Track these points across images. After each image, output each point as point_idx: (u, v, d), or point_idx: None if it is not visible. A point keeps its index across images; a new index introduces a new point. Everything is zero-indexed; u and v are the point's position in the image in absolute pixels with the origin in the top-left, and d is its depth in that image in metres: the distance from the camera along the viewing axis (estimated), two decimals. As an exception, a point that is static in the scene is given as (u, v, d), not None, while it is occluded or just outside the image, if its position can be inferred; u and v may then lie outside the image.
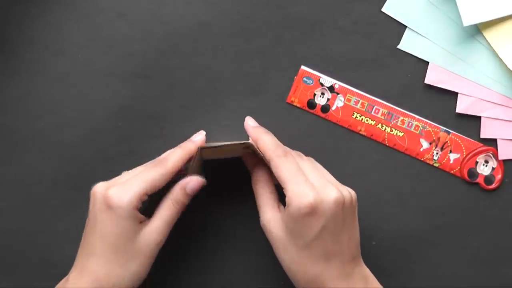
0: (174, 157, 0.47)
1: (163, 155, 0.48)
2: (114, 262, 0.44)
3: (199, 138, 0.50)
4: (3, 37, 0.53)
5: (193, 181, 0.47)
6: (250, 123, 0.49)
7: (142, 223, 0.45)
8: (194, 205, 0.52)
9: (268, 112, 0.53)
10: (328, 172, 0.47)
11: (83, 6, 0.53)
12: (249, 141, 0.47)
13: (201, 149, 0.48)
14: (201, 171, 0.49)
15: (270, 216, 0.45)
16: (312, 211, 0.42)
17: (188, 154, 0.48)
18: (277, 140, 0.47)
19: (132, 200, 0.43)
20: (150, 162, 0.48)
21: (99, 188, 0.44)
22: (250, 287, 0.52)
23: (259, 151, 0.46)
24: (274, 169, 0.44)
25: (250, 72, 0.53)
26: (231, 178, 0.52)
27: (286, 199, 0.43)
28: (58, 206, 0.53)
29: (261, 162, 0.48)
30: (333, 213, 0.43)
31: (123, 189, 0.44)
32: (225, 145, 0.47)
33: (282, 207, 0.47)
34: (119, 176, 0.47)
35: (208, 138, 0.52)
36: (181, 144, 0.49)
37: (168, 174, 0.46)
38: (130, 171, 0.48)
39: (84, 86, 0.53)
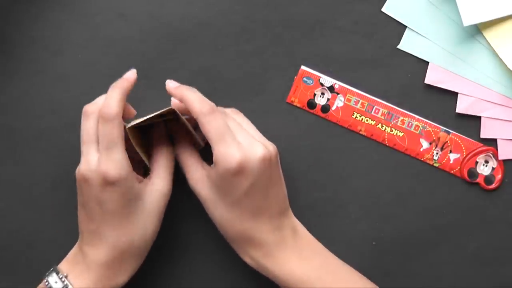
0: (113, 100, 0.44)
1: (100, 103, 0.45)
2: (130, 227, 0.44)
3: (130, 76, 0.47)
4: (3, 37, 0.53)
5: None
6: (171, 85, 0.47)
7: (142, 182, 0.46)
8: (192, 205, 0.52)
9: (268, 112, 0.53)
10: (253, 126, 0.48)
11: (83, 6, 0.53)
12: (171, 106, 0.47)
13: (128, 129, 0.47)
14: (142, 149, 0.49)
15: (197, 176, 0.46)
16: (240, 171, 0.43)
17: (124, 92, 0.45)
18: (202, 95, 0.46)
19: (126, 167, 0.43)
20: (91, 116, 0.45)
21: (87, 171, 0.43)
22: (250, 286, 0.52)
23: (181, 116, 0.47)
24: (201, 128, 0.44)
25: (250, 72, 0.53)
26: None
27: (214, 158, 0.44)
28: (58, 206, 0.53)
29: (182, 128, 0.49)
30: (260, 171, 0.44)
31: (113, 161, 0.43)
32: (149, 117, 0.47)
33: (206, 164, 0.48)
34: (89, 150, 0.44)
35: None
36: (114, 85, 0.46)
37: (120, 122, 0.44)
38: (89, 139, 0.45)
39: (84, 86, 0.53)
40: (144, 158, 0.48)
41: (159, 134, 0.49)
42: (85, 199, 0.45)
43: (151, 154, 0.49)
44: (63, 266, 0.46)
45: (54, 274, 0.44)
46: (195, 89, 0.47)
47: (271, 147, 0.46)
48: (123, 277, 0.45)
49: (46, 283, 0.44)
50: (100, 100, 0.46)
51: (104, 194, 0.43)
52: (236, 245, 0.47)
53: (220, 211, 0.45)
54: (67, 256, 0.47)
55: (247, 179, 0.43)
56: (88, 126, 0.45)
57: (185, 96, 0.46)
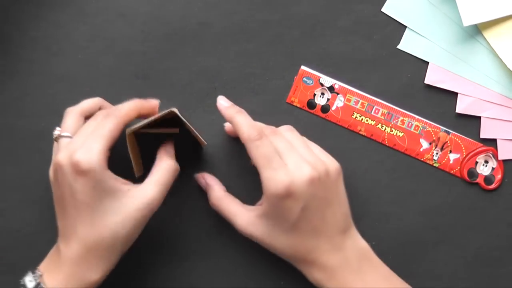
0: (126, 106, 0.47)
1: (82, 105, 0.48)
2: (100, 225, 0.43)
3: (153, 102, 0.49)
4: (3, 37, 0.53)
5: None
6: (222, 102, 0.48)
7: (125, 184, 0.45)
8: (194, 206, 0.52)
9: (268, 112, 0.53)
10: (307, 143, 0.47)
11: (83, 6, 0.53)
12: (173, 109, 0.47)
13: (131, 133, 0.48)
14: (135, 155, 0.50)
15: (244, 220, 0.46)
16: (288, 194, 0.43)
17: (140, 107, 0.47)
18: (251, 120, 0.46)
19: (100, 159, 0.43)
20: (99, 113, 0.47)
21: (63, 158, 0.43)
22: (251, 287, 0.52)
23: (183, 118, 0.47)
24: (249, 153, 0.44)
25: (250, 72, 0.53)
26: (229, 180, 0.52)
27: (262, 185, 0.44)
28: (58, 206, 0.53)
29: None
30: (311, 192, 0.43)
31: (87, 151, 0.43)
32: (150, 120, 0.48)
33: (248, 206, 0.48)
34: (72, 140, 0.45)
35: (206, 137, 0.52)
36: (135, 100, 0.48)
37: (122, 123, 0.45)
38: (80, 130, 0.46)
39: (84, 86, 0.53)
40: (133, 164, 0.49)
41: (166, 148, 0.49)
42: (59, 190, 0.44)
43: (154, 164, 0.49)
44: (42, 265, 0.45)
45: (30, 273, 0.44)
46: (245, 112, 0.47)
47: (321, 167, 0.44)
48: (94, 276, 0.44)
49: (22, 282, 0.44)
50: (83, 103, 0.48)
51: (76, 184, 0.43)
52: (302, 268, 0.46)
53: (280, 241, 0.45)
54: (47, 255, 0.47)
55: (297, 201, 0.43)
56: (72, 120, 0.46)
57: (234, 118, 0.46)
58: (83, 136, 0.44)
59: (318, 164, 0.45)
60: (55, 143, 0.47)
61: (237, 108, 0.48)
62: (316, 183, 0.43)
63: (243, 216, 0.47)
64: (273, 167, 0.43)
